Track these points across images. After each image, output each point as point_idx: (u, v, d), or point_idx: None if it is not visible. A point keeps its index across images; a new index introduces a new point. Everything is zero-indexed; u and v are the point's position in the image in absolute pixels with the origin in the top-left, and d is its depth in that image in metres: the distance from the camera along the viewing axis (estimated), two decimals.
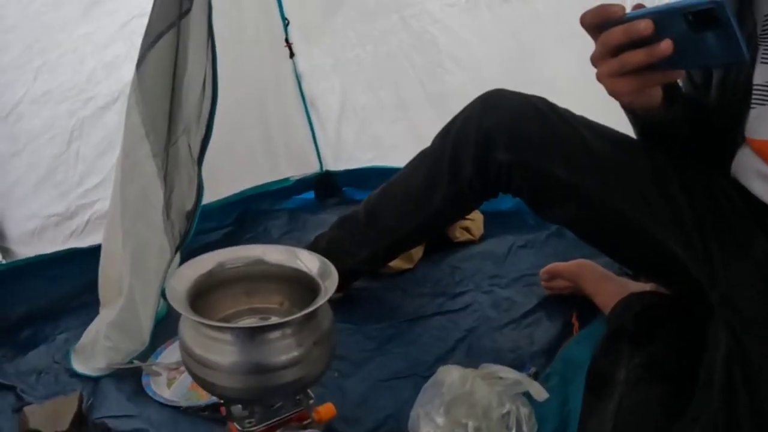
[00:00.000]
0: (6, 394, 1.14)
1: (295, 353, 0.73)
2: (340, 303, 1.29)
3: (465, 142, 1.04)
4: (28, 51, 1.30)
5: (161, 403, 1.07)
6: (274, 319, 0.83)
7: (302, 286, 0.83)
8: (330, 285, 0.75)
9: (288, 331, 0.73)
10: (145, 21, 1.08)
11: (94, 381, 1.16)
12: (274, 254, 0.85)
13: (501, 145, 0.98)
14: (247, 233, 1.80)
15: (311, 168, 2.05)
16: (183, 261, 1.23)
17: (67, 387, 1.15)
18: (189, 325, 0.74)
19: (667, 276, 0.97)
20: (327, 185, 2.06)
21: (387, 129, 1.86)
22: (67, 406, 1.05)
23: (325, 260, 0.82)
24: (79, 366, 1.20)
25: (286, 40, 1.74)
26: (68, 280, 1.44)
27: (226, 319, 0.84)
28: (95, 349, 1.19)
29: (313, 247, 1.31)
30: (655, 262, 0.93)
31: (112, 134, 1.11)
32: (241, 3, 1.60)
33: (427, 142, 1.15)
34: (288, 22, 1.71)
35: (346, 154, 2.01)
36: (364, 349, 1.21)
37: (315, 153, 2.03)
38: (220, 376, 0.73)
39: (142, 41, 1.08)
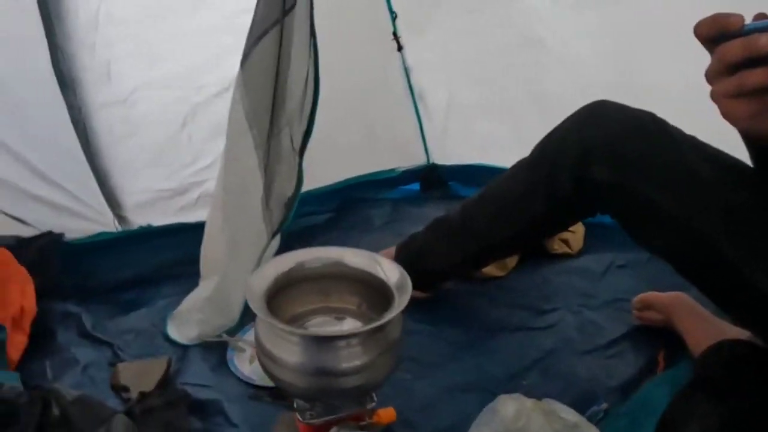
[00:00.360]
0: (105, 349, 1.25)
1: (358, 362, 0.74)
2: (425, 303, 1.31)
3: (563, 156, 1.00)
4: (142, 42, 1.41)
5: (239, 379, 1.13)
6: (345, 328, 0.85)
7: (379, 291, 0.84)
8: (402, 300, 0.76)
9: (354, 341, 0.74)
10: (250, 16, 1.12)
11: (183, 348, 1.24)
12: (354, 258, 0.87)
13: (600, 163, 0.93)
14: (348, 220, 1.84)
15: (417, 160, 2.05)
16: (284, 243, 1.35)
17: (159, 350, 1.24)
18: (262, 321, 0.77)
19: (764, 327, 0.88)
20: (433, 178, 2.06)
21: (490, 126, 1.83)
22: (155, 368, 1.14)
23: (405, 273, 0.82)
24: (172, 332, 1.29)
25: (394, 33, 1.74)
26: (173, 251, 1.53)
27: (302, 316, 0.87)
28: (189, 319, 1.29)
29: (406, 245, 1.33)
30: (751, 308, 0.85)
31: (223, 120, 1.18)
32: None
33: (529, 144, 1.11)
34: (396, 15, 1.71)
35: (452, 149, 2.00)
36: (439, 353, 1.20)
37: (422, 145, 2.04)
38: (285, 373, 0.76)
39: (247, 38, 1.13)
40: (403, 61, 1.82)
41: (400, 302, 0.75)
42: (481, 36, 1.67)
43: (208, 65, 1.32)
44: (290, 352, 0.75)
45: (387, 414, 0.89)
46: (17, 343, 1.19)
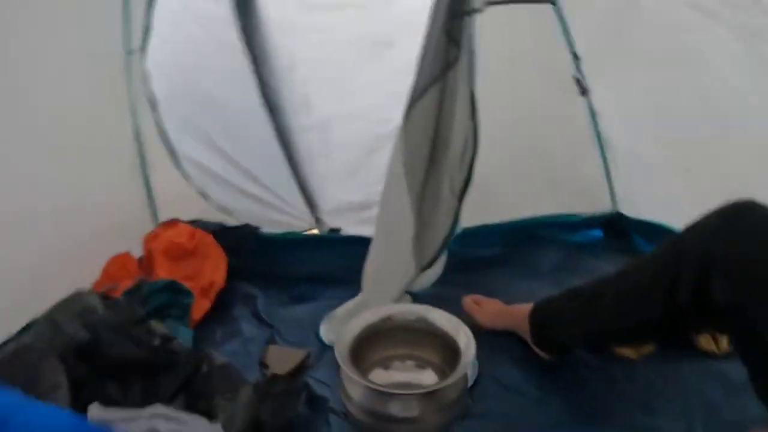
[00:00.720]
0: (266, 329, 1.48)
1: (413, 414, 0.83)
2: (545, 365, 1.30)
3: (688, 261, 0.93)
4: (333, 81, 1.61)
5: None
6: (423, 377, 0.93)
7: (454, 353, 0.91)
8: (459, 373, 0.82)
9: (411, 398, 0.82)
10: None
11: (324, 347, 1.40)
12: (440, 319, 0.94)
13: (721, 281, 0.86)
14: (516, 260, 1.81)
15: (602, 207, 1.98)
16: (448, 271, 1.50)
17: (308, 343, 1.41)
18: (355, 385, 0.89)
19: None
20: (617, 227, 1.96)
21: (671, 184, 1.68)
22: (295, 357, 1.31)
23: (471, 348, 0.88)
24: (321, 331, 1.47)
25: (574, 77, 1.69)
26: (349, 258, 1.61)
27: (389, 359, 0.97)
28: (335, 324, 1.47)
29: (540, 307, 1.31)
30: None
31: None
32: (521, 39, 1.61)
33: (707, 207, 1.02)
34: (578, 58, 1.66)
35: (639, 201, 1.88)
36: (530, 424, 1.18)
37: (608, 192, 1.95)
38: (353, 408, 0.88)
39: (411, 91, 1.25)
40: (590, 106, 1.76)
41: (456, 374, 0.81)
42: (661, 90, 1.55)
43: (392, 102, 1.47)
44: (357, 393, 0.86)
45: None
46: (201, 308, 1.52)
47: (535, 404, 1.22)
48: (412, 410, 0.83)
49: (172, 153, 1.76)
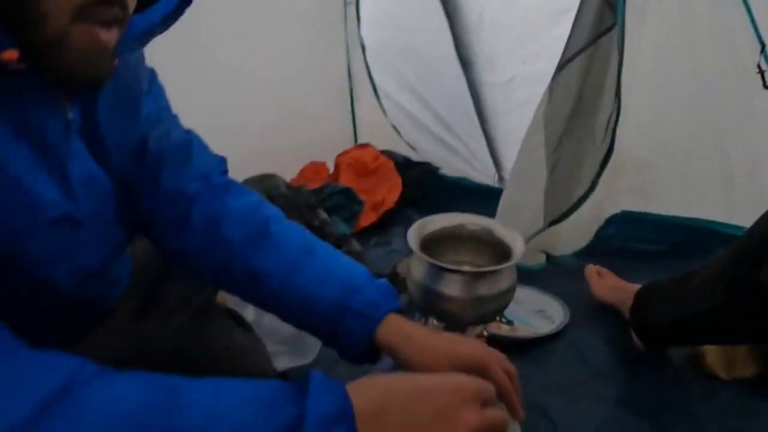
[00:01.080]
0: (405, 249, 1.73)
1: (458, 293, 0.99)
2: (628, 354, 1.26)
3: (747, 247, 0.91)
4: (518, 42, 1.72)
5: None
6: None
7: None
8: (505, 265, 0.97)
9: (460, 276, 0.99)
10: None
11: None
12: (501, 231, 1.08)
13: None
14: (669, 259, 1.66)
15: None
16: (595, 247, 1.57)
17: None
18: (419, 263, 1.08)
19: None
20: None
21: None
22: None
23: (521, 249, 1.01)
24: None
25: (759, 66, 1.49)
26: None
27: (449, 262, 1.11)
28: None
29: (648, 284, 1.27)
30: None
31: None
32: (700, 23, 1.48)
33: None
34: (764, 46, 1.46)
35: None
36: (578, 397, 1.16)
37: None
38: (413, 284, 1.07)
39: (564, 51, 1.34)
40: None
41: (503, 266, 0.96)
42: None
43: None
44: (417, 272, 1.05)
45: None
46: (367, 219, 1.85)
47: (599, 385, 1.19)
48: (459, 289, 0.99)
49: (375, 90, 2.11)
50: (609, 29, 1.27)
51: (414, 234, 1.06)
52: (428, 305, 1.05)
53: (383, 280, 0.76)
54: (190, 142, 0.81)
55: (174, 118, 0.82)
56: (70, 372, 0.44)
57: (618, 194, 1.67)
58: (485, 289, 0.99)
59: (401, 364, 0.71)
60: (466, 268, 1.00)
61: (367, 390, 0.50)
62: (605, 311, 1.39)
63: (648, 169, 1.61)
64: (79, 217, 0.62)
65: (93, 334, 0.76)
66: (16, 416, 0.40)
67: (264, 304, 0.77)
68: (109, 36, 0.53)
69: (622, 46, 1.29)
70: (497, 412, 0.54)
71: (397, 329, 0.70)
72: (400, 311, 0.74)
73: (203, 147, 0.83)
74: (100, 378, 0.45)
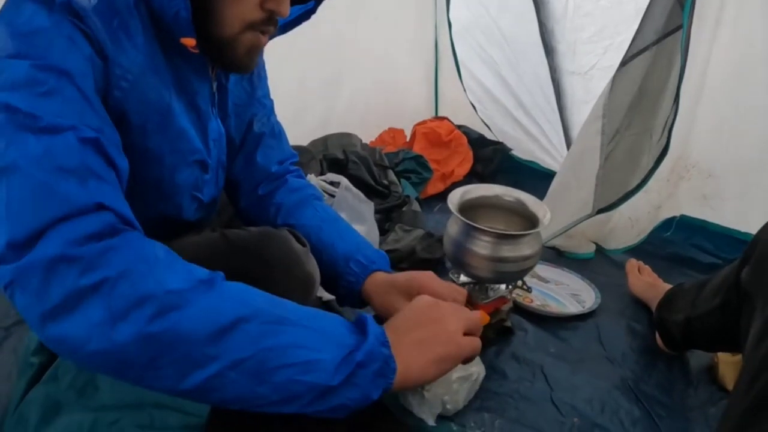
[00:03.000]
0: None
1: (488, 252, 1.12)
2: (649, 356, 1.28)
3: (750, 247, 0.92)
4: (600, 33, 1.75)
5: None
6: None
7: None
8: (532, 231, 1.11)
9: (490, 236, 1.11)
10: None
11: None
12: (533, 204, 1.19)
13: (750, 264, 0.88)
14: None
15: None
16: (648, 248, 1.60)
17: None
18: (454, 222, 1.21)
19: None
20: None
21: None
22: None
23: (547, 219, 1.12)
24: None
25: None
26: None
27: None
28: None
29: (676, 285, 1.29)
30: None
31: None
32: None
33: None
34: None
35: None
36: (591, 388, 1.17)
37: None
38: (448, 241, 1.20)
39: (630, 45, 1.38)
40: None
41: (530, 232, 1.10)
42: None
43: None
44: (453, 230, 1.18)
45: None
46: (434, 187, 2.00)
47: (605, 366, 1.24)
48: (484, 247, 1.12)
49: (458, 67, 2.21)
50: (676, 29, 1.30)
51: (455, 197, 1.19)
52: (458, 260, 1.19)
53: (383, 251, 1.00)
54: (281, 132, 1.06)
55: (272, 103, 1.05)
56: (210, 272, 0.60)
57: (679, 199, 1.69)
58: (508, 251, 1.12)
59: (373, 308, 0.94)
60: (493, 228, 1.12)
61: (394, 320, 0.71)
62: (638, 306, 1.44)
63: (713, 178, 1.62)
64: (208, 163, 0.87)
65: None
66: (178, 285, 0.56)
67: None
68: (266, 38, 0.75)
69: (686, 49, 1.31)
70: (470, 313, 0.73)
71: (375, 282, 0.94)
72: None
73: (286, 139, 1.08)
74: (230, 281, 0.61)
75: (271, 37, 0.81)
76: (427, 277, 0.92)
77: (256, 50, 0.74)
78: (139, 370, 0.53)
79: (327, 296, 1.12)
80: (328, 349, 0.59)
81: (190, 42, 0.68)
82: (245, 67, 0.76)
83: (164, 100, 0.73)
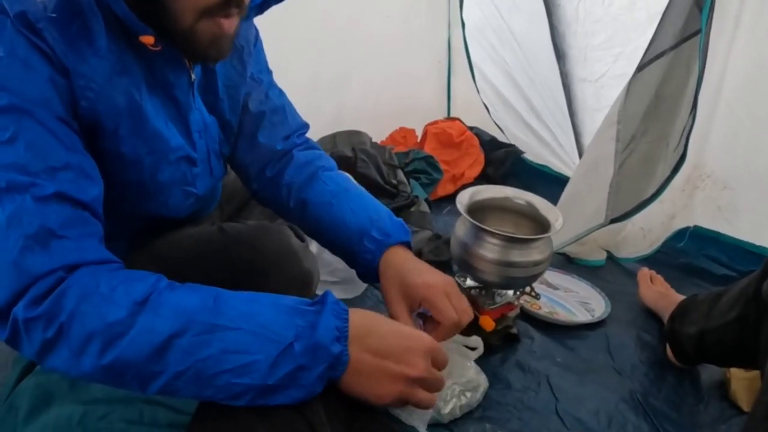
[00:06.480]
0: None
1: (495, 256, 1.09)
2: (659, 369, 1.25)
3: None
4: (610, 40, 1.71)
5: None
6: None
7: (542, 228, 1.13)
8: (542, 236, 1.07)
9: (497, 238, 1.08)
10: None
11: None
12: (544, 207, 1.16)
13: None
14: None
15: None
16: (662, 258, 1.55)
17: None
18: (463, 223, 1.17)
19: None
20: None
21: None
22: None
23: (559, 224, 1.09)
24: None
25: None
26: None
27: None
28: None
29: (689, 296, 1.26)
30: None
31: None
32: None
33: None
34: None
35: None
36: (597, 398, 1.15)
37: None
38: (455, 242, 1.17)
39: (646, 50, 1.35)
40: None
41: (540, 236, 1.06)
42: None
43: None
44: (461, 230, 1.15)
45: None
46: (444, 189, 1.97)
47: (613, 378, 1.21)
48: (492, 251, 1.09)
49: (471, 67, 2.18)
50: (694, 34, 1.27)
51: (464, 197, 1.16)
52: (465, 263, 1.15)
53: (399, 219, 0.90)
54: (283, 107, 0.98)
55: (270, 77, 0.98)
56: (150, 285, 0.61)
57: (693, 209, 1.64)
58: (517, 255, 1.09)
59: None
60: (502, 232, 1.09)
61: (363, 317, 0.66)
62: (648, 316, 1.42)
63: (729, 189, 1.57)
64: (194, 156, 0.82)
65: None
66: (117, 315, 0.59)
67: (310, 230, 0.94)
68: (230, 23, 0.68)
69: (705, 55, 1.27)
70: (437, 373, 0.68)
71: (392, 258, 0.84)
72: (408, 245, 0.87)
73: (292, 110, 1.00)
74: (170, 289, 0.62)
75: (248, 18, 0.76)
76: (439, 293, 0.80)
77: (222, 38, 0.68)
78: (113, 384, 0.61)
79: None
80: (262, 349, 0.60)
81: (148, 40, 0.65)
82: (213, 57, 0.71)
83: (135, 102, 0.70)
